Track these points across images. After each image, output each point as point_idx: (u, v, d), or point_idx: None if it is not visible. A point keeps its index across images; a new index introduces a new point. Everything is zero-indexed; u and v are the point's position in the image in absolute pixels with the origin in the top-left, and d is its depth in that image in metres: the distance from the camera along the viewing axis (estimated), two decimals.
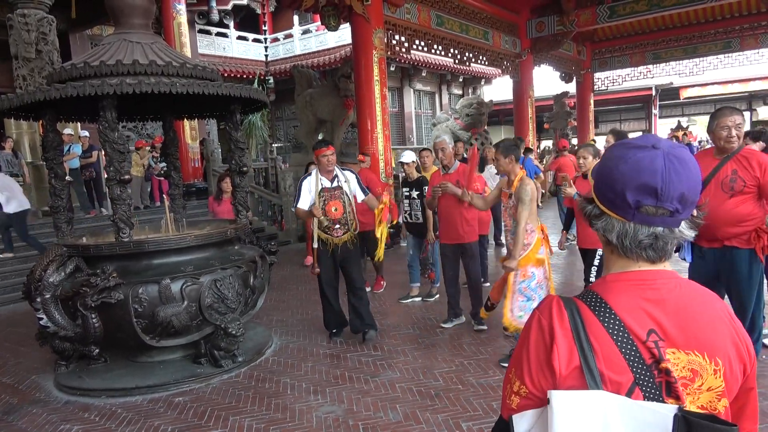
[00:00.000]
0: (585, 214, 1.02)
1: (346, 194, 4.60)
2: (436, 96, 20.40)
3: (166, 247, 4.17)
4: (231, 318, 4.11)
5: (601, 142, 11.49)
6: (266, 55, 13.31)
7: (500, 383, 3.01)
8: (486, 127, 13.96)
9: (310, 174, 4.67)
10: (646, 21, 15.21)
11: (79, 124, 9.40)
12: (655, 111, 24.37)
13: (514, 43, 13.72)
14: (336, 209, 4.52)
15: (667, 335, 0.90)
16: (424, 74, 18.67)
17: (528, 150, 10.83)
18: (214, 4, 15.80)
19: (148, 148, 11.13)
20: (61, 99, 3.81)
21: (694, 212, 0.96)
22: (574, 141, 17.35)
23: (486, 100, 14.55)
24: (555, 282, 5.13)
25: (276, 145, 14.71)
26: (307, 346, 4.73)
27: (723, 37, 15.75)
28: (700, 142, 20.84)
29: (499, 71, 15.63)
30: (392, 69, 16.60)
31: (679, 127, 20.27)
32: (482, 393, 3.55)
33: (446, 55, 11.86)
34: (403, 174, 6.02)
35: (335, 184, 4.58)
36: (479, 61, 12.82)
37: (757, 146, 4.47)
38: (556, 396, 0.85)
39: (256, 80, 15.85)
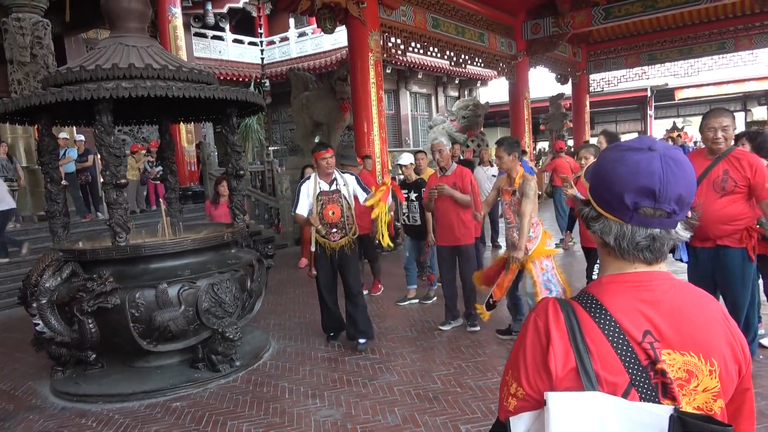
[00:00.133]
0: (582, 216, 1.02)
1: (345, 198, 4.55)
2: (432, 98, 20.45)
3: (163, 252, 4.15)
4: (228, 322, 4.09)
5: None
6: (262, 58, 13.34)
7: (498, 386, 3.01)
8: (482, 129, 13.99)
9: (308, 178, 4.64)
10: (641, 22, 15.27)
11: (74, 128, 9.38)
12: (651, 112, 24.45)
13: (510, 45, 13.76)
14: (333, 213, 4.48)
15: (662, 336, 0.91)
16: (420, 76, 18.72)
17: (523, 152, 10.84)
18: (209, 7, 15.82)
19: (143, 152, 11.11)
20: (57, 103, 3.79)
21: (689, 213, 0.96)
22: (570, 142, 17.39)
23: (482, 102, 14.59)
24: None
25: (272, 148, 14.71)
26: (305, 349, 4.72)
27: (717, 38, 15.84)
28: (695, 142, 20.90)
29: (495, 73, 15.64)
30: (388, 71, 16.64)
31: (674, 128, 20.32)
32: (480, 395, 3.55)
33: (442, 58, 11.87)
34: (401, 176, 6.03)
35: (333, 187, 4.53)
36: (475, 63, 12.85)
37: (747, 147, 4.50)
38: (553, 397, 0.85)
39: (253, 83, 15.86)
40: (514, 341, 1.20)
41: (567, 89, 17.78)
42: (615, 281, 0.97)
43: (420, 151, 6.17)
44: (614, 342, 0.89)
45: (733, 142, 3.43)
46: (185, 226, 5.37)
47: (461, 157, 8.61)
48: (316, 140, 11.02)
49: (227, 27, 17.89)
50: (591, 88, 18.44)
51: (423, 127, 19.02)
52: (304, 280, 7.43)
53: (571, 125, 17.68)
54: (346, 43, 9.83)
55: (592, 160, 4.42)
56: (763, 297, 4.23)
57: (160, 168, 9.80)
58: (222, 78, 15.36)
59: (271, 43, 18.26)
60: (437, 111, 19.45)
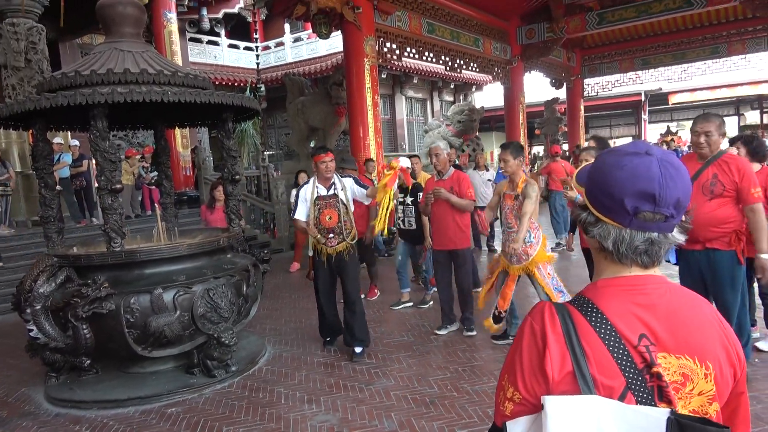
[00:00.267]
0: (580, 221, 1.02)
1: (342, 202, 4.50)
2: (428, 103, 20.50)
3: (158, 257, 4.14)
4: (224, 327, 4.08)
5: None
6: (258, 63, 13.32)
7: (494, 390, 3.02)
8: (477, 134, 14.03)
9: (307, 182, 4.63)
10: (635, 27, 15.38)
11: (69, 132, 9.35)
12: (645, 116, 24.61)
13: (505, 49, 13.83)
14: (330, 218, 4.45)
15: (658, 339, 0.91)
16: (415, 81, 18.76)
17: None
18: (204, 12, 15.84)
19: (138, 157, 11.08)
20: (52, 108, 3.78)
21: (683, 217, 0.97)
22: (565, 147, 17.47)
23: (477, 106, 14.62)
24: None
25: (268, 152, 14.70)
26: (301, 354, 4.70)
27: (710, 42, 15.98)
28: (689, 146, 21.03)
29: (490, 78, 15.73)
30: (384, 76, 16.67)
31: (668, 132, 20.46)
32: (477, 400, 3.55)
33: (437, 62, 11.93)
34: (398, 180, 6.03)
35: (331, 192, 4.50)
36: (470, 68, 12.91)
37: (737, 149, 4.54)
38: (550, 401, 0.85)
39: (248, 88, 15.86)
40: (509, 345, 1.20)
41: (562, 94, 17.88)
42: (611, 285, 0.97)
43: (414, 156, 6.17)
44: (610, 345, 0.90)
45: (725, 146, 3.48)
46: (180, 231, 5.35)
47: (457, 162, 8.61)
48: (312, 145, 11.04)
49: (222, 32, 17.90)
50: (585, 93, 18.56)
51: (418, 132, 19.06)
52: (300, 284, 7.42)
53: (566, 129, 17.77)
54: (341, 48, 9.85)
55: None
56: (757, 300, 4.26)
57: (154, 173, 9.77)
58: (217, 83, 15.36)
59: (267, 48, 18.29)
60: (433, 115, 19.51)
